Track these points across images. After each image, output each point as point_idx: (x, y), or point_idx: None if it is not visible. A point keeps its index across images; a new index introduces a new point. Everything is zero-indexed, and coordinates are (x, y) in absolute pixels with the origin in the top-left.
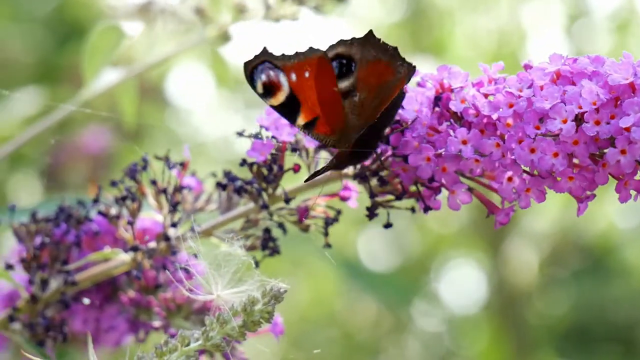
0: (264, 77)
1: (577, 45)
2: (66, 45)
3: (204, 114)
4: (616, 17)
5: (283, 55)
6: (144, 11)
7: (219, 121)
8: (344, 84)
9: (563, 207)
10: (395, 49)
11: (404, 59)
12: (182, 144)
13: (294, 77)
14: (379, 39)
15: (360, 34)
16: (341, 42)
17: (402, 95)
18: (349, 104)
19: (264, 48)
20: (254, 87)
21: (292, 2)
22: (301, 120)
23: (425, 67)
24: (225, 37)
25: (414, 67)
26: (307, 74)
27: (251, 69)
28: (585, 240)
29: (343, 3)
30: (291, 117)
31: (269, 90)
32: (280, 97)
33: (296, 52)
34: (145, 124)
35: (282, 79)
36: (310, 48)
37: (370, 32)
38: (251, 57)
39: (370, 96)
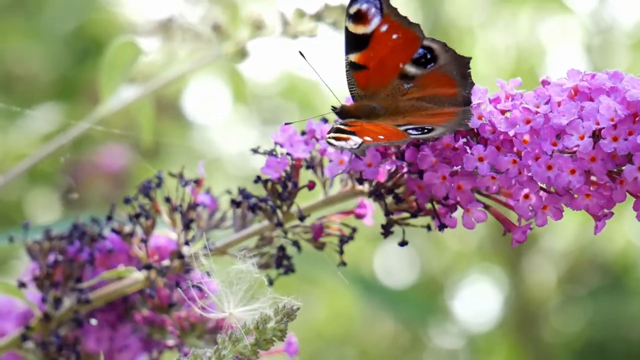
0: (365, 7)
1: (595, 61)
2: (85, 62)
3: (220, 129)
4: (635, 34)
5: (395, 8)
6: (163, 28)
7: (235, 137)
8: (410, 69)
9: (581, 224)
10: (472, 82)
11: (470, 92)
12: (199, 160)
13: (384, 28)
14: (468, 61)
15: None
16: (438, 42)
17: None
18: (397, 84)
19: None
20: (350, 5)
21: (310, 18)
22: (354, 58)
23: None
24: (242, 54)
25: (470, 116)
26: (395, 36)
27: None
28: (603, 258)
29: None
30: (349, 50)
31: (357, 17)
32: (359, 30)
33: (405, 16)
34: (162, 141)
35: (376, 20)
36: (418, 25)
37: (467, 59)
38: None
39: (416, 96)
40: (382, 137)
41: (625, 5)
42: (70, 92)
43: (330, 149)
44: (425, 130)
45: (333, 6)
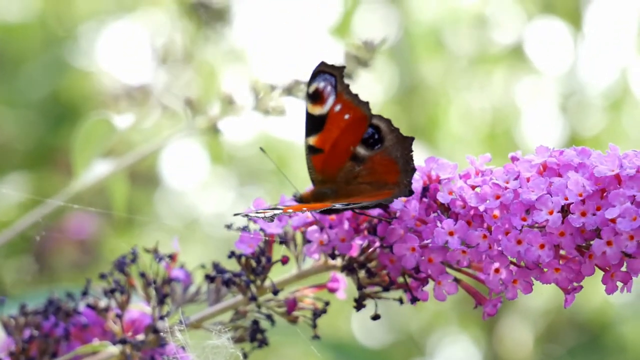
0: (322, 85)
1: (571, 122)
2: (60, 128)
3: (198, 191)
4: (610, 95)
5: (347, 86)
6: (136, 97)
7: (213, 198)
8: (360, 151)
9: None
10: (414, 169)
11: (410, 181)
12: (174, 227)
13: (338, 107)
14: (411, 142)
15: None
16: (384, 120)
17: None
18: (349, 167)
19: (342, 67)
20: (309, 84)
21: (280, 92)
22: (311, 141)
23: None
24: (214, 129)
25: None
26: (346, 116)
27: (318, 71)
28: (581, 316)
29: None
30: (308, 132)
31: (315, 97)
32: (317, 111)
33: (355, 94)
34: (136, 215)
35: (331, 100)
36: (367, 103)
37: (410, 140)
38: (331, 63)
39: (365, 180)
40: (305, 209)
41: (599, 66)
42: (45, 159)
43: (311, 228)
44: (351, 205)
45: (303, 81)
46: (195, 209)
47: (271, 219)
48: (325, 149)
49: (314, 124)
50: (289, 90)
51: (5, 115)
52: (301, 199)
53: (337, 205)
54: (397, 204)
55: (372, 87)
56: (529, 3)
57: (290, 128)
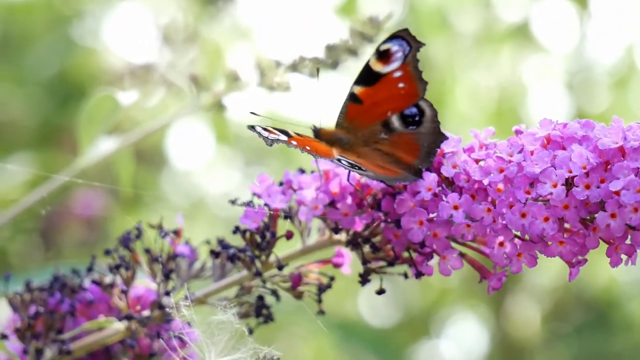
0: (395, 48)
1: (577, 100)
2: (67, 107)
3: (204, 171)
4: (616, 72)
5: (417, 61)
6: (142, 75)
7: (219, 178)
8: (394, 123)
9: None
10: (431, 163)
11: (421, 172)
12: (181, 205)
13: (398, 74)
14: (442, 140)
15: None
16: (432, 107)
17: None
18: (376, 130)
19: (422, 43)
20: (384, 42)
21: (285, 69)
22: (357, 90)
23: None
24: (219, 105)
25: (408, 181)
26: (401, 85)
27: (398, 36)
28: (588, 294)
29: (336, 69)
30: (357, 81)
31: (382, 55)
32: (377, 67)
33: (420, 71)
34: (142, 192)
35: (396, 64)
36: (426, 83)
37: (444, 137)
38: (414, 35)
39: (383, 150)
40: (309, 148)
41: (605, 44)
42: (52, 138)
43: (305, 192)
44: (357, 167)
45: (308, 58)
46: (201, 188)
47: (271, 142)
48: (366, 103)
49: (367, 77)
50: (294, 67)
51: (12, 93)
52: (318, 134)
53: (342, 160)
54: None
55: None
56: None
57: (297, 107)
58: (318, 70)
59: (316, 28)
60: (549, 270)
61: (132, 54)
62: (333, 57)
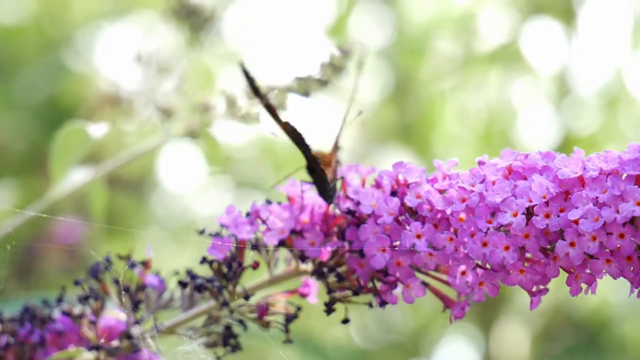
0: None
1: (566, 121)
2: (56, 132)
3: (195, 194)
4: (605, 94)
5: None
6: (121, 103)
7: (210, 200)
8: None
9: (555, 283)
10: None
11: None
12: (169, 230)
13: None
14: None
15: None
16: None
17: None
18: None
19: None
20: None
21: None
22: None
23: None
24: (192, 135)
25: None
26: None
27: None
28: (579, 315)
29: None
30: None
31: None
32: None
33: None
34: (111, 227)
35: None
36: None
37: None
38: None
39: None
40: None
41: (594, 66)
42: (41, 163)
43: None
44: None
45: (280, 87)
46: (191, 212)
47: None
48: None
49: None
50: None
51: (1, 118)
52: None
53: None
54: (366, 208)
55: (366, 88)
56: (523, 3)
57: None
58: (284, 101)
59: (306, 51)
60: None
61: (121, 79)
62: (303, 88)
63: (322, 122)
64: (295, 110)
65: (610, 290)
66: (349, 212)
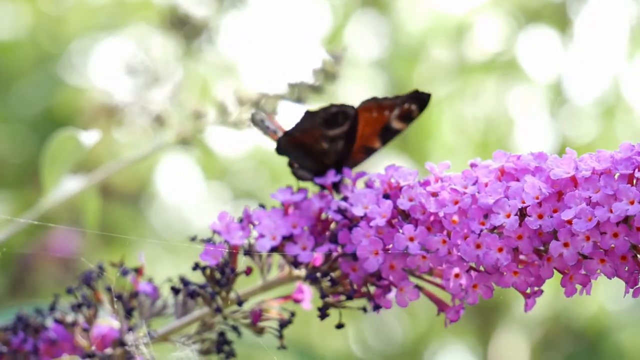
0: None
1: (563, 130)
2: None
3: (193, 206)
4: (602, 102)
5: None
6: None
7: (207, 212)
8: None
9: (554, 291)
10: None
11: None
12: (166, 244)
13: None
14: None
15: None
16: None
17: None
18: None
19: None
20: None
21: (249, 107)
22: None
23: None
24: (184, 142)
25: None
26: None
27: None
28: (577, 324)
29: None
30: None
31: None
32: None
33: None
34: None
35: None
36: None
37: None
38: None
39: None
40: None
41: (591, 74)
42: (36, 176)
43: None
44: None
45: (270, 95)
46: (189, 224)
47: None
48: None
49: None
50: (257, 105)
51: None
52: None
53: None
54: (358, 210)
55: (362, 98)
56: (519, 11)
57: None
58: (275, 107)
59: (303, 59)
60: (538, 300)
61: (116, 90)
62: (295, 94)
63: None
64: (288, 116)
65: (608, 299)
66: (340, 210)
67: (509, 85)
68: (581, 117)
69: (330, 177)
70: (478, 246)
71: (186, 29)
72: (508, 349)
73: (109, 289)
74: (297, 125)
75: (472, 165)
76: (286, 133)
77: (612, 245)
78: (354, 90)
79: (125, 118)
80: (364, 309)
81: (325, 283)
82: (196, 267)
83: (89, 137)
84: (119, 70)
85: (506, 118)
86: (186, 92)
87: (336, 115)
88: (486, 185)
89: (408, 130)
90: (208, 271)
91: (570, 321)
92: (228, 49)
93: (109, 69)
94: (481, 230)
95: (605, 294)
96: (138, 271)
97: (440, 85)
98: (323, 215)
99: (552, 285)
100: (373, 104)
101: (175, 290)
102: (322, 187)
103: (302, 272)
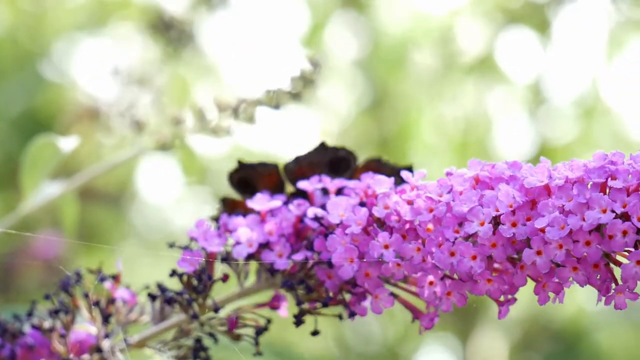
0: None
1: (542, 131)
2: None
3: (173, 205)
4: (581, 104)
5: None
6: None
7: (187, 212)
8: None
9: (531, 293)
10: None
11: None
12: (155, 239)
13: None
14: None
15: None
16: None
17: None
18: None
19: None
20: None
21: (227, 113)
22: None
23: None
24: (163, 148)
25: None
26: None
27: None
28: (556, 325)
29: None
30: None
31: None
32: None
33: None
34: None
35: None
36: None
37: None
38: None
39: None
40: None
41: (569, 76)
42: (17, 176)
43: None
44: None
45: (249, 101)
46: (170, 224)
47: None
48: None
49: None
50: (235, 111)
51: None
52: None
53: None
54: (334, 217)
55: (342, 99)
56: (498, 13)
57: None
58: (253, 115)
59: (282, 60)
60: (517, 302)
61: (98, 91)
62: (273, 100)
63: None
64: (264, 123)
65: (586, 299)
66: (316, 218)
67: (489, 86)
68: (560, 118)
69: (314, 182)
70: (452, 254)
71: (170, 32)
72: (487, 349)
73: (86, 295)
74: (307, 155)
75: (448, 174)
76: (296, 160)
77: (585, 254)
78: (333, 91)
79: (108, 120)
80: (340, 317)
81: (301, 290)
82: (173, 273)
83: (68, 143)
84: (102, 70)
85: (486, 119)
86: (167, 95)
87: (341, 160)
88: (461, 193)
89: (388, 132)
90: (185, 278)
91: (548, 321)
92: (209, 50)
93: (91, 68)
94: (455, 238)
95: (584, 295)
96: (115, 278)
97: (421, 86)
98: (300, 223)
99: (530, 286)
100: (374, 165)
101: (153, 297)
102: (302, 193)
103: (278, 279)
